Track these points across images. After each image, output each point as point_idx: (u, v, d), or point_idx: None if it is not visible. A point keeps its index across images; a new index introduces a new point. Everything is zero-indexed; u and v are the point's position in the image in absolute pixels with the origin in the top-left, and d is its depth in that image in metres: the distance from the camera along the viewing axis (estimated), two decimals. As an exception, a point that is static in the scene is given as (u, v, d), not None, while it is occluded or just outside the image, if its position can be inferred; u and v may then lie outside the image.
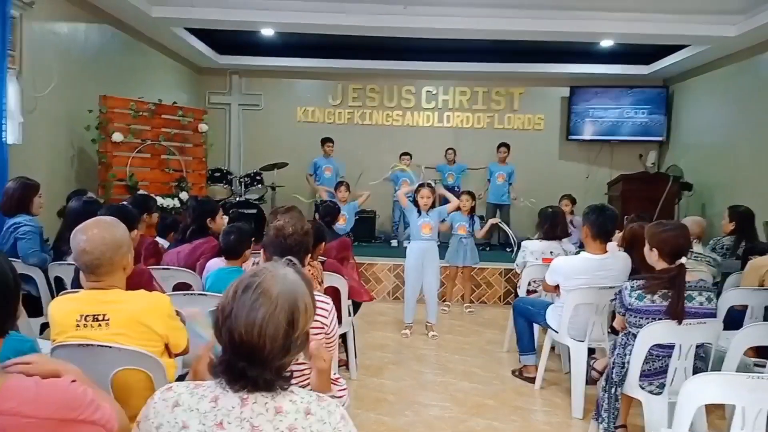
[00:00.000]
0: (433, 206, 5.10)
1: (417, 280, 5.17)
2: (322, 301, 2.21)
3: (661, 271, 2.83)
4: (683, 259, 2.76)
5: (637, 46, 7.60)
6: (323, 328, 2.19)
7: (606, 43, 7.30)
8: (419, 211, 5.06)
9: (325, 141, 8.13)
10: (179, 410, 1.21)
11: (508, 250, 7.74)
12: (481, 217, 7.87)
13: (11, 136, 4.44)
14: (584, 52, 8.13)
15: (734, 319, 3.52)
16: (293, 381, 1.31)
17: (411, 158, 8.23)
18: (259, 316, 1.20)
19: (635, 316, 2.84)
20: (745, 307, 3.62)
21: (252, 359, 1.20)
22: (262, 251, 2.29)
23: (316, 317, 2.16)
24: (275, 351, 1.21)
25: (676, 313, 2.69)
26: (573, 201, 7.05)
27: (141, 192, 5.37)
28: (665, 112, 8.69)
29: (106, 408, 1.31)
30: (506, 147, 8.13)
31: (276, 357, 1.22)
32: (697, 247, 4.44)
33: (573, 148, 9.22)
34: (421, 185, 5.17)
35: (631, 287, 2.84)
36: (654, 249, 2.86)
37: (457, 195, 6.00)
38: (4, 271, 1.22)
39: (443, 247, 5.81)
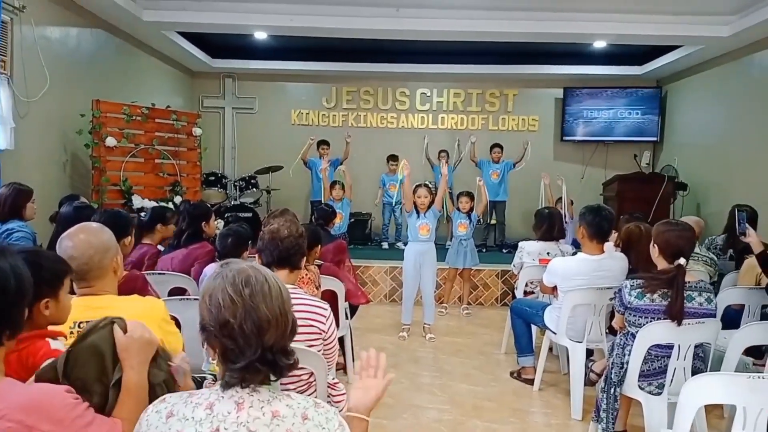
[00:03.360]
0: (429, 207, 5.08)
1: (415, 282, 5.15)
2: (320, 307, 2.19)
3: (660, 272, 2.83)
4: (682, 260, 2.75)
5: (630, 46, 7.62)
6: (321, 334, 2.16)
7: (599, 44, 7.32)
8: (417, 213, 5.04)
9: (321, 144, 8.09)
10: (173, 420, 1.19)
11: (505, 251, 7.76)
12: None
13: (3, 142, 4.41)
14: (577, 54, 8.15)
15: (731, 319, 3.52)
16: (291, 387, 1.30)
17: (398, 162, 8.24)
18: (275, 297, 1.25)
19: (634, 315, 2.83)
20: (742, 306, 3.62)
21: (281, 343, 1.24)
22: (257, 255, 2.27)
23: (314, 323, 2.14)
24: (295, 320, 1.29)
25: (675, 313, 2.68)
26: (569, 203, 7.04)
27: (161, 204, 5.28)
28: (659, 112, 8.70)
29: (104, 427, 1.29)
30: (500, 147, 8.13)
31: (296, 324, 1.29)
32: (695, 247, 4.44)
33: (568, 149, 9.23)
34: (418, 185, 5.15)
35: (631, 286, 2.84)
36: (656, 246, 2.88)
37: (451, 196, 6.03)
38: (21, 271, 1.30)
39: (441, 248, 5.80)
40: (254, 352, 1.19)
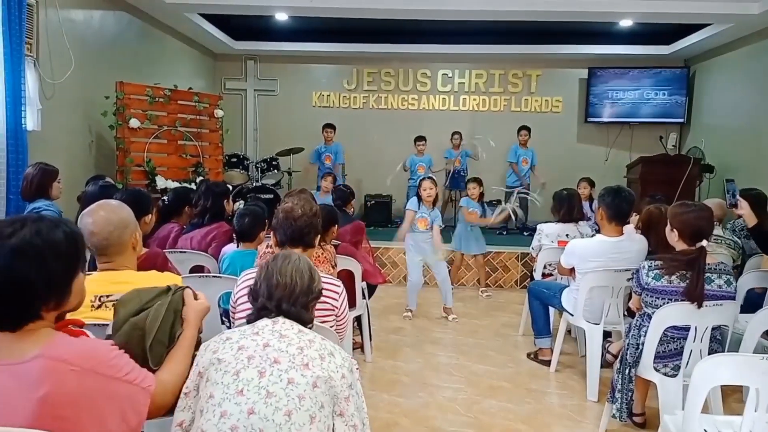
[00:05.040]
0: (436, 200, 5.07)
1: (419, 270, 5.15)
2: (332, 284, 2.22)
3: (680, 253, 2.79)
4: (704, 242, 2.70)
5: (657, 25, 7.42)
6: (333, 310, 2.20)
7: (625, 23, 7.15)
8: (419, 206, 5.02)
9: (325, 127, 8.01)
10: (225, 334, 1.61)
11: (526, 234, 7.70)
12: (499, 201, 7.85)
13: (31, 123, 4.50)
14: (603, 33, 7.97)
15: (754, 302, 3.47)
16: None
17: (425, 143, 8.22)
18: (290, 266, 1.72)
19: (651, 296, 2.81)
20: (765, 289, 3.56)
21: (285, 297, 1.66)
22: (272, 234, 2.30)
23: (326, 299, 2.17)
24: (303, 289, 1.69)
25: (695, 296, 2.64)
26: (591, 184, 6.98)
27: (183, 185, 5.34)
28: (686, 93, 8.50)
29: (142, 373, 1.46)
30: (527, 130, 8.03)
31: (303, 294, 1.69)
32: (717, 230, 4.35)
33: (592, 130, 9.09)
34: (423, 179, 5.15)
35: (649, 267, 2.81)
36: (675, 230, 2.82)
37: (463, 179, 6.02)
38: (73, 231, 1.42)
39: (450, 230, 5.80)
40: (265, 298, 1.67)
